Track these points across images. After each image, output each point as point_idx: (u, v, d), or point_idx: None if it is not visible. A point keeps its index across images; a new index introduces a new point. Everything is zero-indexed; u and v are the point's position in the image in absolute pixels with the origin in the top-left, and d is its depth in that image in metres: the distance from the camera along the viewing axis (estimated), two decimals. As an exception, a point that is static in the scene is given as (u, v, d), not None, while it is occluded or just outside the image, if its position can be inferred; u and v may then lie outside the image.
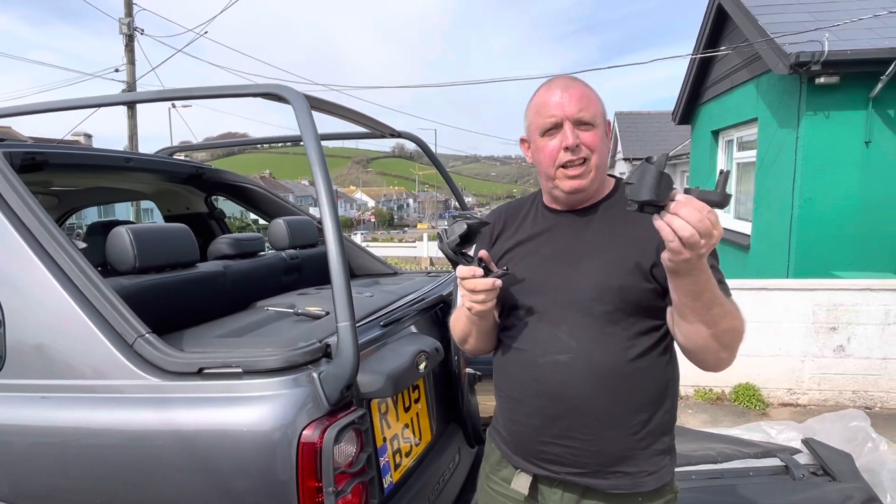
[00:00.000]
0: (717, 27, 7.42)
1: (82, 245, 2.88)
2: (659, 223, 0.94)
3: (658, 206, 0.93)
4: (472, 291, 1.17)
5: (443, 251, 1.24)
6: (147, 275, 1.70)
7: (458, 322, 1.35)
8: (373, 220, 72.78)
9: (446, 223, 1.25)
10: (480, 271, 1.16)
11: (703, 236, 0.91)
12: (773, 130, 5.94)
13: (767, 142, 6.09)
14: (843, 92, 5.17)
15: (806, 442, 3.22)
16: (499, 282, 1.18)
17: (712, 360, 1.14)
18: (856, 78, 5.07)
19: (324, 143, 2.62)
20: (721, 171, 0.95)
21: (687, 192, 0.93)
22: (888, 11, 5.00)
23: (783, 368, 4.37)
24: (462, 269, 1.17)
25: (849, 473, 2.86)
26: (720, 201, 0.93)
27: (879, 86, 4.97)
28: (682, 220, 0.91)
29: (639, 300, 1.17)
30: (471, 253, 1.24)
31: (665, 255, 0.98)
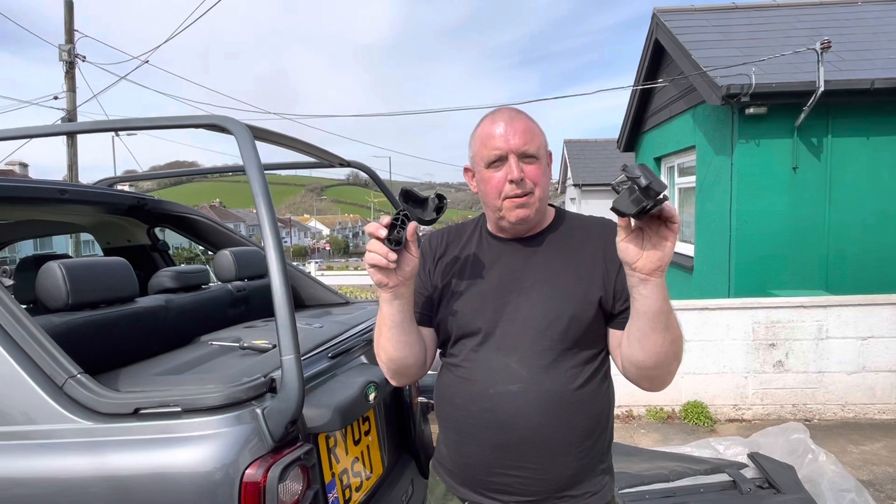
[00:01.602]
0: (656, 60, 7.84)
1: (9, 282, 2.73)
2: (677, 221, 0.98)
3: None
4: (371, 254, 1.09)
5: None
6: (81, 311, 1.63)
7: (376, 331, 1.24)
8: (328, 248, 71.91)
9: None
10: (384, 232, 1.08)
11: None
12: (709, 157, 6.27)
13: (705, 168, 6.41)
14: (771, 121, 5.52)
15: (751, 456, 3.34)
16: (388, 250, 1.08)
17: (665, 373, 1.16)
18: (782, 108, 5.44)
19: (276, 171, 2.59)
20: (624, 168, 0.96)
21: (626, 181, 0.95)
22: (806, 48, 5.40)
23: (728, 385, 4.53)
24: (371, 225, 1.09)
25: (792, 485, 2.98)
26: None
27: (802, 116, 5.34)
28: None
29: (587, 329, 1.20)
30: (408, 231, 1.12)
31: (667, 247, 0.99)
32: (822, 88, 5.09)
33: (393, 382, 1.33)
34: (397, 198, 1.15)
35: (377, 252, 1.08)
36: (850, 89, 5.25)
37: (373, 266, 1.10)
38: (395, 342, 1.21)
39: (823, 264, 5.60)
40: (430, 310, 1.30)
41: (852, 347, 4.42)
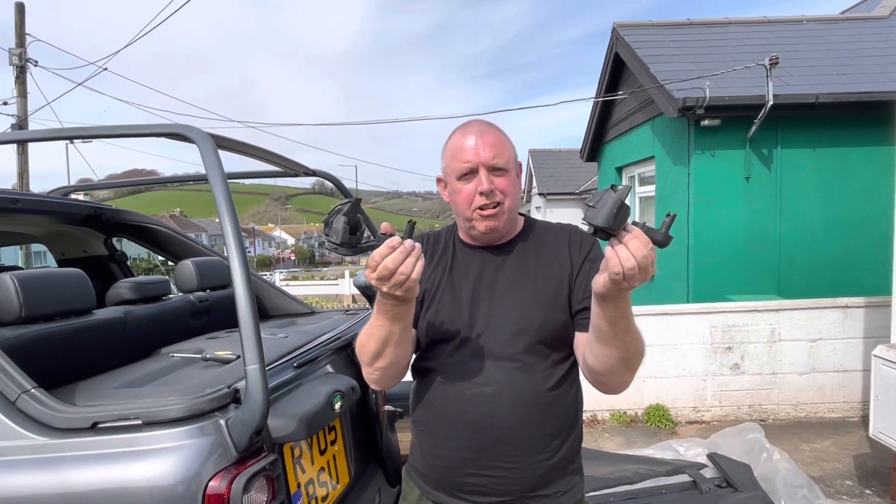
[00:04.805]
0: (616, 73, 8.06)
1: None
2: (609, 251, 0.95)
3: (610, 233, 0.94)
4: (392, 272, 1.00)
5: (342, 253, 1.04)
6: (35, 324, 1.58)
7: (372, 336, 1.17)
8: (293, 258, 70.84)
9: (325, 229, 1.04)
10: (398, 240, 1.00)
11: (640, 271, 0.93)
12: (668, 167, 6.47)
13: (664, 178, 6.61)
14: (725, 133, 5.75)
15: (710, 456, 3.44)
16: (412, 243, 1.01)
17: (616, 382, 1.18)
18: (734, 121, 5.67)
19: (240, 180, 2.54)
20: (668, 214, 0.97)
21: (634, 224, 0.95)
22: (756, 63, 5.66)
23: (688, 388, 4.66)
24: (380, 250, 1.00)
25: (749, 483, 3.08)
26: (663, 241, 0.95)
27: (754, 128, 5.58)
28: (629, 251, 0.92)
29: (556, 332, 1.24)
30: (368, 234, 1.04)
31: (601, 280, 0.98)
32: (771, 102, 5.34)
33: (377, 387, 1.28)
34: (352, 248, 1.03)
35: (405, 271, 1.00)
36: (797, 103, 5.52)
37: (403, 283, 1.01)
38: (403, 345, 1.18)
39: (775, 270, 5.84)
40: (417, 310, 1.28)
41: (803, 349, 4.62)
